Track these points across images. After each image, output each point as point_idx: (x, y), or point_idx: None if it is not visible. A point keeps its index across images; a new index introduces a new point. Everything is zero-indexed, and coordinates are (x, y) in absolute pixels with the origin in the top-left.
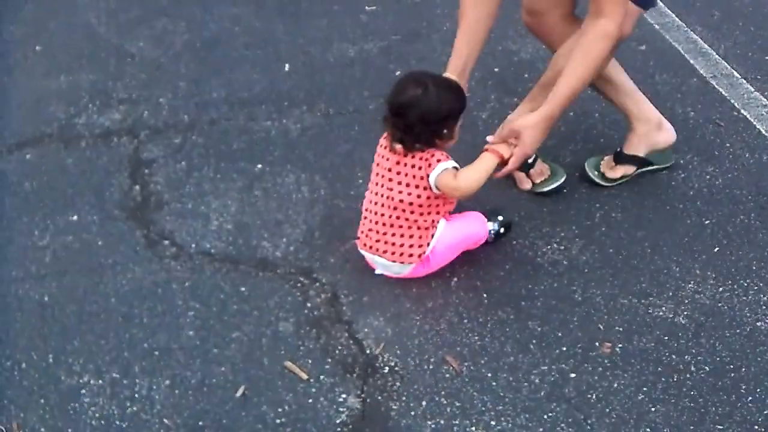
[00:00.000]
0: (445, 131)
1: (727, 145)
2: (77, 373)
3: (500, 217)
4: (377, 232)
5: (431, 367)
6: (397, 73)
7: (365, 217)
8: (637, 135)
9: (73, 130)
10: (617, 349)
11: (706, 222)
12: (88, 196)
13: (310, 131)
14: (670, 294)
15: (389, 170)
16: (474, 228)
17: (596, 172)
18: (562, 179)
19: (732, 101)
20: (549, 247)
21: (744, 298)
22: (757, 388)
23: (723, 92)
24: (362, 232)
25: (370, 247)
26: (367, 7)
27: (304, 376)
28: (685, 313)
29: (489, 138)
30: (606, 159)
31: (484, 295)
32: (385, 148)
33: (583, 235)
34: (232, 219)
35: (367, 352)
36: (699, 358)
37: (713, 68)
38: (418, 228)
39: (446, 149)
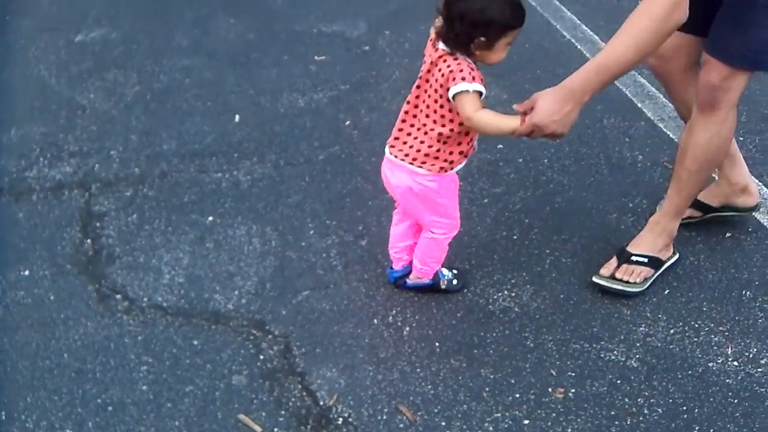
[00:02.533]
0: (483, 39)
1: None
2: (31, 430)
3: (455, 270)
4: (403, 130)
5: (385, 417)
6: (347, 123)
7: (399, 116)
8: (719, 188)
9: (24, 184)
10: (570, 394)
11: None
12: (39, 251)
13: (261, 182)
14: (622, 337)
15: (423, 71)
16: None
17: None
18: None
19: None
20: (500, 294)
21: (695, 340)
22: (710, 428)
23: (671, 135)
24: (395, 126)
25: (394, 137)
26: (316, 57)
27: (258, 429)
28: (637, 356)
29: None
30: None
31: (437, 344)
32: (432, 45)
33: (534, 282)
34: (184, 272)
35: (321, 403)
36: (652, 400)
37: (661, 111)
38: (432, 138)
39: (487, 64)
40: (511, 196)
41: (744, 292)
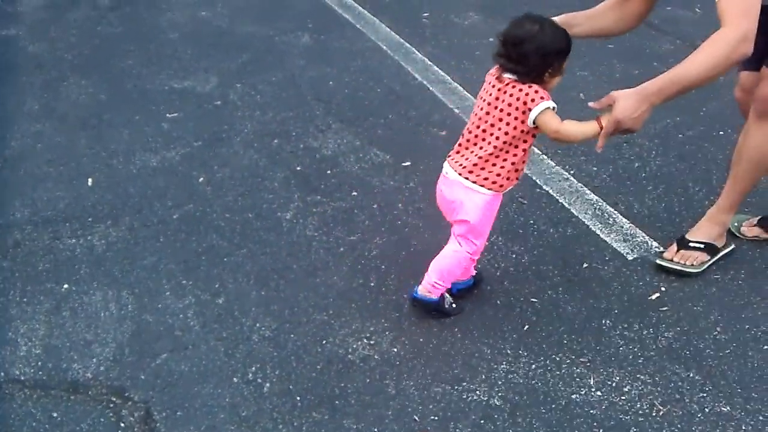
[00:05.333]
0: (555, 65)
1: (531, 221)
2: None
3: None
4: (467, 149)
5: None
6: (200, 179)
7: (458, 141)
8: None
9: None
10: None
11: (515, 301)
12: None
13: (116, 246)
14: (483, 377)
15: (491, 99)
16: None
17: (735, 224)
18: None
19: (534, 178)
20: (360, 342)
21: (557, 373)
22: None
23: (526, 171)
24: (454, 149)
25: (453, 159)
26: (168, 114)
27: None
28: (500, 394)
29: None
30: (749, 220)
31: (298, 398)
32: (494, 76)
33: (393, 328)
34: (41, 343)
35: None
36: None
37: None
38: (497, 157)
39: (550, 88)
40: (366, 243)
41: (603, 321)
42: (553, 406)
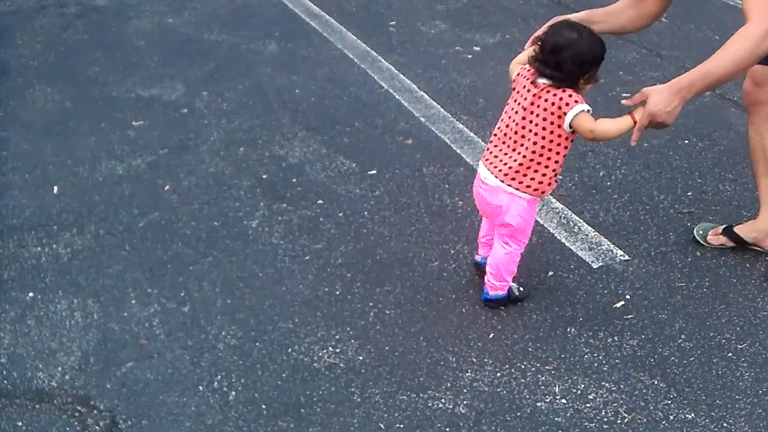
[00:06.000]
0: (590, 72)
1: None
2: None
3: (518, 283)
4: (502, 152)
5: None
6: (166, 188)
7: (491, 142)
8: (755, 225)
9: None
10: None
11: (480, 309)
12: None
13: (81, 254)
14: (449, 385)
15: (526, 103)
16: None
17: (701, 232)
18: None
19: None
20: (325, 351)
21: (522, 381)
22: None
23: None
24: (488, 150)
25: (491, 163)
26: (134, 122)
27: None
28: (465, 402)
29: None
30: (714, 229)
31: (263, 407)
32: (529, 80)
33: (358, 336)
34: (6, 352)
35: None
36: None
37: (479, 155)
38: (538, 164)
39: (584, 93)
40: (332, 252)
41: (569, 329)
42: (518, 413)
